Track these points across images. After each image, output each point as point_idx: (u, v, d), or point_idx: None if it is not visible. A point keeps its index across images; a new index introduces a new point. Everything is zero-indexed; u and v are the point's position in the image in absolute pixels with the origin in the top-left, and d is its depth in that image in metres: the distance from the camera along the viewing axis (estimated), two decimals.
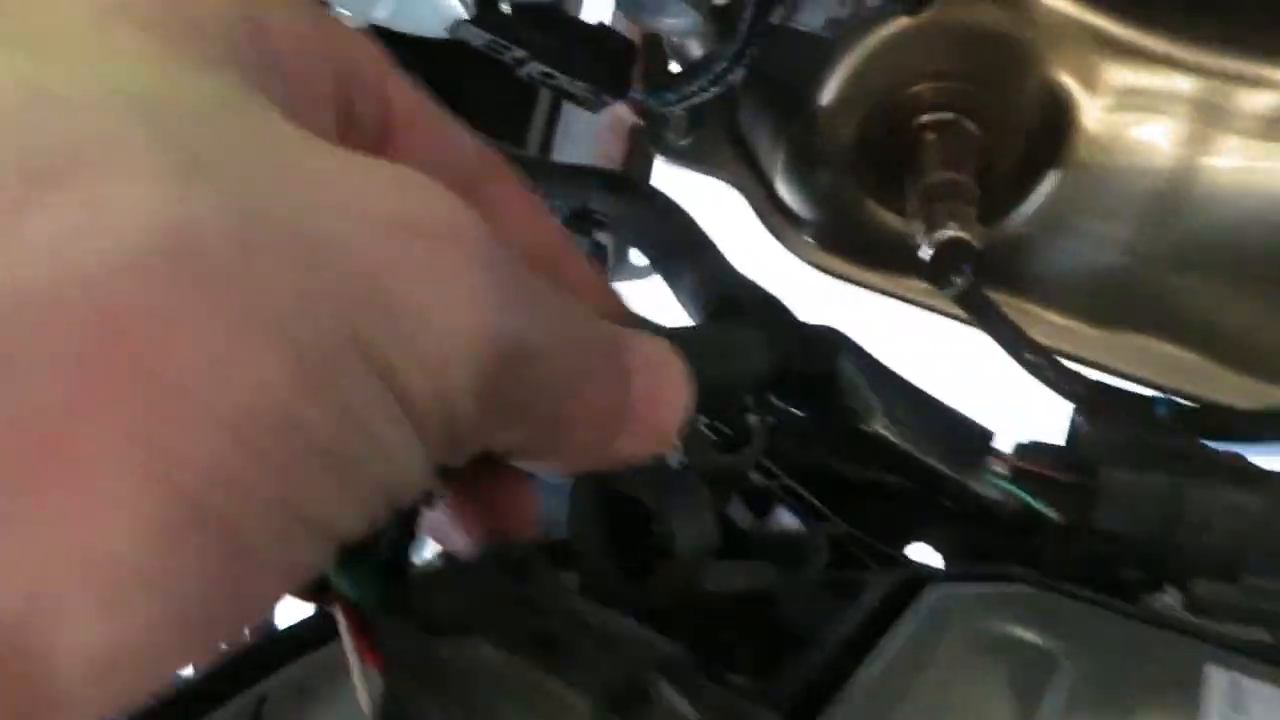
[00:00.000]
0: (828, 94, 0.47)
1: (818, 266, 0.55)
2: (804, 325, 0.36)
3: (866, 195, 0.49)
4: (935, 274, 0.40)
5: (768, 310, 0.36)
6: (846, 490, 0.46)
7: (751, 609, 0.30)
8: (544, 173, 0.44)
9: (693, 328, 0.29)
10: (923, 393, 0.36)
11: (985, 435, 0.35)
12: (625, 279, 0.56)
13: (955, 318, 0.48)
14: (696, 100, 0.41)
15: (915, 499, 0.54)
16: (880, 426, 0.34)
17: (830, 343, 0.35)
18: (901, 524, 0.50)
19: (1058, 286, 0.48)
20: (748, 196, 0.55)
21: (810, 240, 0.54)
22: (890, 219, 0.50)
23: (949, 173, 0.43)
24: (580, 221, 0.46)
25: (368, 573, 0.18)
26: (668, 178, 0.63)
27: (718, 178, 0.57)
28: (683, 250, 0.40)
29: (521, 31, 0.35)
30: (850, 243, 0.52)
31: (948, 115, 0.45)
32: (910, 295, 0.51)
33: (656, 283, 0.75)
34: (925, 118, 0.46)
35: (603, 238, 0.48)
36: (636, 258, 0.62)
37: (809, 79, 0.47)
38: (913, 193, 0.44)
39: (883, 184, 0.49)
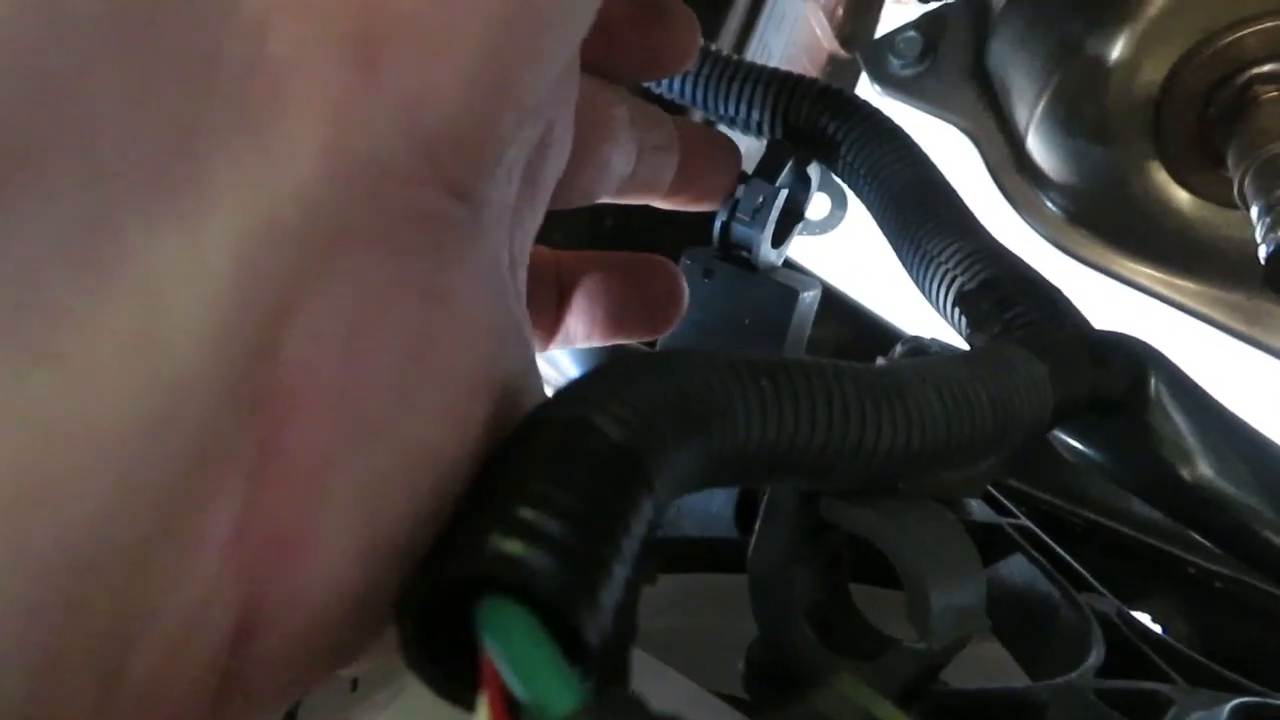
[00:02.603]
0: (1127, 33, 0.36)
1: (1058, 245, 0.44)
2: (1097, 332, 0.25)
3: (1157, 165, 0.38)
4: (1274, 279, 0.29)
5: (1045, 307, 0.25)
6: (1059, 534, 0.36)
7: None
8: (748, 75, 0.34)
9: (955, 359, 0.19)
10: (1262, 436, 0.25)
11: None
12: (802, 234, 0.46)
13: (1256, 343, 0.37)
14: None
15: (1146, 558, 0.43)
16: (1207, 475, 0.23)
17: (1135, 358, 0.25)
18: (1127, 589, 0.39)
19: None
20: (983, 149, 0.45)
21: (1058, 211, 0.43)
22: (1180, 197, 0.38)
23: None
24: (789, 143, 0.36)
25: (560, 668, 0.10)
26: None
27: (947, 120, 0.46)
28: (925, 202, 0.30)
29: None
30: (1115, 221, 0.41)
31: None
32: (1186, 301, 0.40)
33: (834, 240, 0.64)
34: (1265, 68, 0.34)
35: (811, 171, 0.38)
36: (814, 210, 0.53)
37: (1102, 10, 0.36)
38: (1240, 167, 0.33)
39: (1181, 153, 0.37)
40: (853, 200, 0.54)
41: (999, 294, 0.25)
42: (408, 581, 0.11)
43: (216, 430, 0.10)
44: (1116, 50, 0.36)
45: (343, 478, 0.11)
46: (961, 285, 0.26)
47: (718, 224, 0.35)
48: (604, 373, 0.13)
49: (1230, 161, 0.34)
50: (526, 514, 0.11)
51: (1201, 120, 0.36)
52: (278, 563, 0.11)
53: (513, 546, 0.10)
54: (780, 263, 0.40)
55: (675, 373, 0.13)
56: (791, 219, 0.39)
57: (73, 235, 0.09)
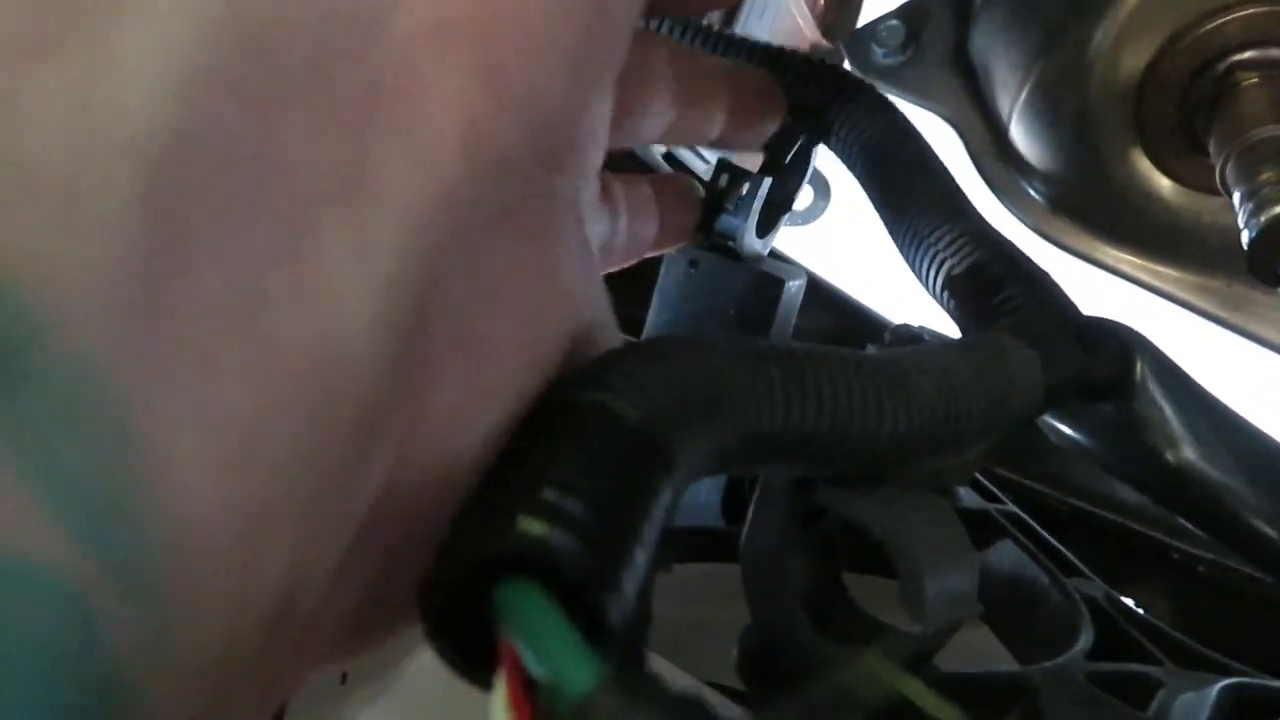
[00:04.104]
0: (1109, 21, 0.36)
1: (1041, 233, 0.44)
2: (1084, 318, 0.25)
3: (1139, 152, 0.38)
4: (1258, 261, 0.29)
5: (1033, 291, 0.25)
6: (1044, 520, 0.36)
7: (996, 705, 0.21)
8: (740, 48, 0.34)
9: (949, 347, 0.19)
10: (1245, 422, 0.25)
11: None
12: (786, 224, 0.46)
13: (1236, 329, 0.38)
14: None
15: (1130, 543, 0.43)
16: (1191, 459, 0.24)
17: (1122, 344, 0.25)
18: (1111, 574, 0.40)
19: None
20: (966, 137, 0.45)
21: (1040, 199, 0.43)
22: (1162, 184, 0.39)
23: (1277, 128, 0.32)
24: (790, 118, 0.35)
25: (579, 648, 0.11)
26: None
27: (930, 109, 0.46)
28: (916, 181, 0.29)
29: None
30: (1098, 208, 0.41)
31: (1276, 53, 0.34)
32: (1167, 288, 0.41)
33: (819, 230, 0.64)
34: (1245, 55, 0.34)
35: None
36: (796, 200, 0.52)
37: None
38: (1221, 153, 0.33)
39: (1162, 139, 0.37)
40: (836, 190, 0.54)
41: (987, 278, 0.25)
42: (432, 561, 0.12)
43: (379, 399, 0.12)
44: (1098, 38, 0.36)
45: (471, 432, 0.13)
46: (950, 269, 0.26)
47: (701, 214, 0.35)
48: (623, 357, 0.13)
49: (1212, 148, 0.34)
50: (550, 496, 0.11)
51: (1183, 107, 0.36)
52: (419, 509, 0.13)
53: (537, 528, 0.11)
54: (766, 253, 0.40)
55: (693, 358, 0.14)
56: (779, 209, 0.39)
57: (283, 240, 0.11)
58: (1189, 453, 0.24)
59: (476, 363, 0.13)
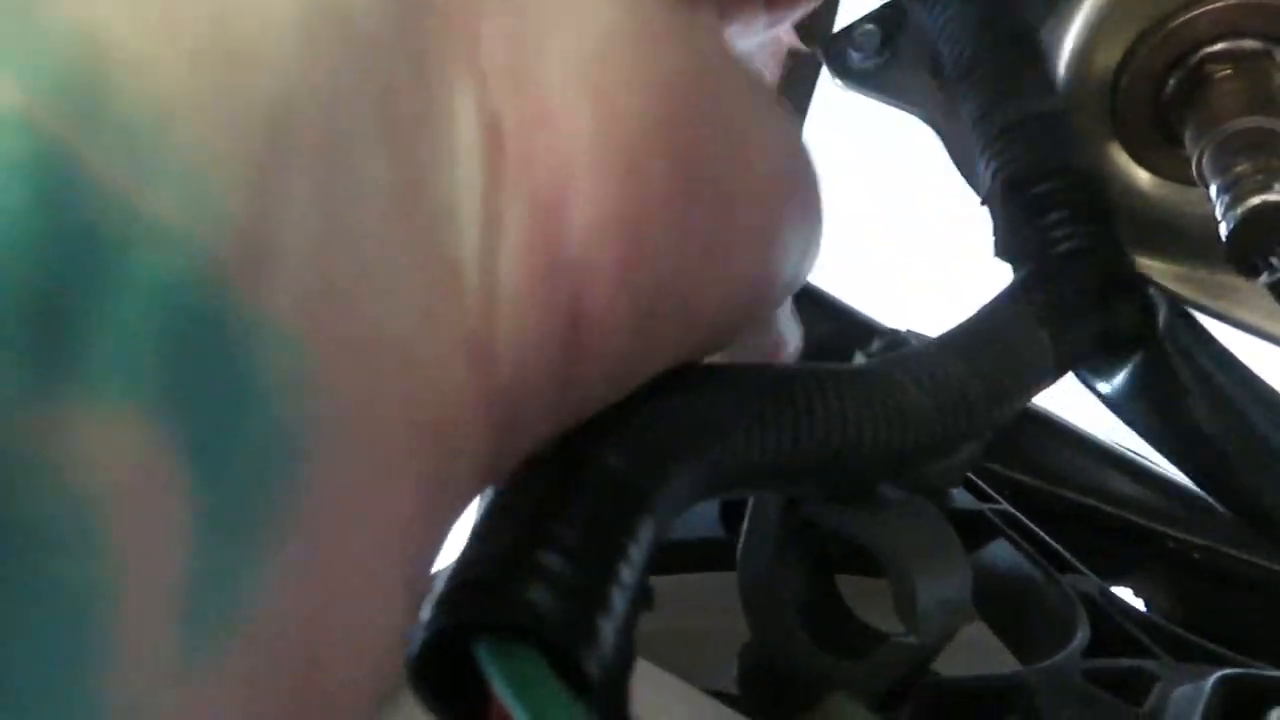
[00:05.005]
0: (1082, 18, 0.36)
1: None
2: (1114, 254, 0.25)
3: (1116, 146, 0.39)
4: (1237, 253, 0.30)
5: (1076, 222, 0.26)
6: (1040, 514, 0.37)
7: (994, 707, 0.22)
8: None
9: (949, 348, 0.20)
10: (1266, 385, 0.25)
11: None
12: None
13: (1222, 316, 0.38)
14: None
15: (1126, 533, 0.44)
16: (1214, 414, 0.24)
17: (1144, 295, 0.25)
18: (1108, 565, 0.40)
19: None
20: (945, 139, 0.45)
21: None
22: (1140, 177, 0.39)
23: (1254, 119, 0.32)
24: None
25: (569, 706, 0.11)
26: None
27: (909, 111, 0.46)
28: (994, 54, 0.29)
29: None
30: None
31: (1250, 44, 0.34)
32: (1152, 279, 0.41)
33: None
34: (1217, 47, 0.35)
35: None
36: None
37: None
38: (1197, 145, 0.33)
39: (1139, 133, 0.38)
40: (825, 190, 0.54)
41: (1035, 195, 0.25)
42: (419, 622, 0.12)
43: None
44: (1072, 35, 0.37)
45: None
46: (996, 171, 0.26)
47: None
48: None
49: (1187, 141, 0.34)
50: (534, 553, 0.11)
51: (1158, 101, 0.36)
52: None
53: (520, 589, 0.11)
54: None
55: (675, 395, 0.14)
56: None
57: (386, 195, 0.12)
58: (1210, 407, 0.24)
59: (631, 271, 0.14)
